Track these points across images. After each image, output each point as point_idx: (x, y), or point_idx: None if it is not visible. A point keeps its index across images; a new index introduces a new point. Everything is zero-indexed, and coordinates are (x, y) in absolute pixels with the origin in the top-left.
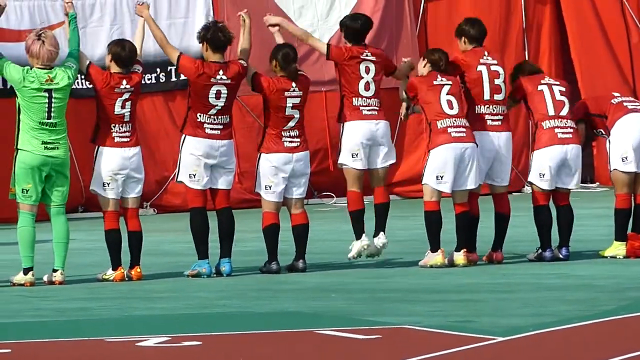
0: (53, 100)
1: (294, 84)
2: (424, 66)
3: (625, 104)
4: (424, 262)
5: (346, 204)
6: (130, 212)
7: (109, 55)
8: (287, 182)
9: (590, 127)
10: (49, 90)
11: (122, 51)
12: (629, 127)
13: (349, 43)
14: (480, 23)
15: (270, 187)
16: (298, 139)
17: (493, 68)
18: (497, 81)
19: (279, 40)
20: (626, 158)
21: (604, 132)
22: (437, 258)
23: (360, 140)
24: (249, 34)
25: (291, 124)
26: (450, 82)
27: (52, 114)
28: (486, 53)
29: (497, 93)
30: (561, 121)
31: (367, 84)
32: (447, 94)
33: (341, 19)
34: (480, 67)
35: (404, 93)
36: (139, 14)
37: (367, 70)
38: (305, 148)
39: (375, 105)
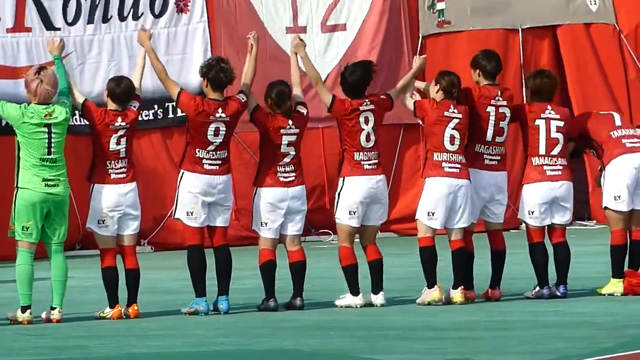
0: (52, 135)
1: (290, 122)
2: (437, 92)
3: (624, 140)
4: (421, 300)
5: None
6: (127, 250)
7: (106, 91)
8: (284, 218)
9: (585, 144)
10: (49, 125)
11: (117, 88)
12: (624, 167)
13: (349, 97)
14: (497, 58)
15: (266, 224)
16: (293, 174)
17: (501, 110)
18: (502, 123)
19: (293, 65)
20: (619, 197)
21: (595, 153)
22: (434, 294)
23: (359, 199)
24: (254, 61)
25: (286, 159)
26: (460, 116)
27: (52, 150)
28: (499, 93)
29: (500, 135)
30: (551, 159)
31: (368, 135)
32: (453, 128)
33: (342, 71)
34: (489, 108)
35: (411, 105)
36: (140, 43)
37: (367, 121)
38: (300, 182)
39: (375, 159)
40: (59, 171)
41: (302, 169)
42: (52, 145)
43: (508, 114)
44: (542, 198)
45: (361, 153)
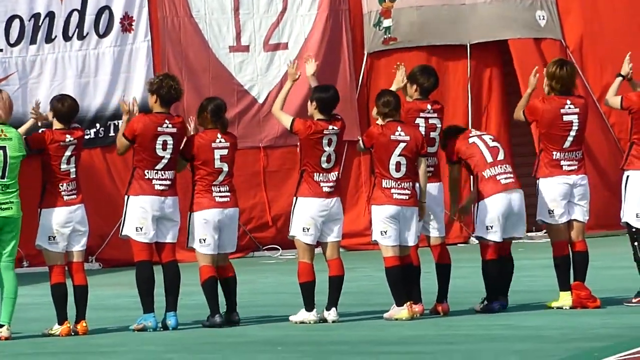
0: (8, 158)
1: (219, 135)
2: (376, 113)
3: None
4: (389, 315)
5: (294, 256)
6: (76, 266)
7: (51, 112)
8: (219, 234)
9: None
10: (3, 148)
11: (62, 107)
12: (554, 183)
13: (320, 114)
14: (435, 75)
15: (205, 240)
16: (228, 194)
17: (431, 121)
18: (432, 134)
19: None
20: (553, 211)
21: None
22: (402, 312)
23: (312, 216)
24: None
25: (220, 178)
26: (407, 138)
27: (6, 174)
28: (429, 106)
29: (431, 145)
30: (501, 167)
31: (329, 156)
32: (400, 154)
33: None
34: (418, 120)
35: (361, 144)
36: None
37: (330, 143)
38: (234, 204)
39: (333, 180)
40: (11, 194)
41: (236, 190)
42: (7, 168)
43: (439, 125)
44: (500, 210)
45: (320, 174)
